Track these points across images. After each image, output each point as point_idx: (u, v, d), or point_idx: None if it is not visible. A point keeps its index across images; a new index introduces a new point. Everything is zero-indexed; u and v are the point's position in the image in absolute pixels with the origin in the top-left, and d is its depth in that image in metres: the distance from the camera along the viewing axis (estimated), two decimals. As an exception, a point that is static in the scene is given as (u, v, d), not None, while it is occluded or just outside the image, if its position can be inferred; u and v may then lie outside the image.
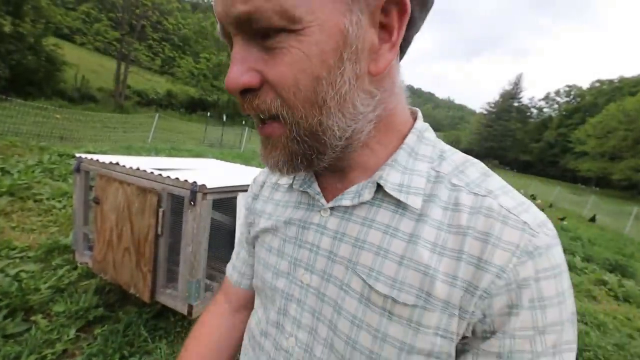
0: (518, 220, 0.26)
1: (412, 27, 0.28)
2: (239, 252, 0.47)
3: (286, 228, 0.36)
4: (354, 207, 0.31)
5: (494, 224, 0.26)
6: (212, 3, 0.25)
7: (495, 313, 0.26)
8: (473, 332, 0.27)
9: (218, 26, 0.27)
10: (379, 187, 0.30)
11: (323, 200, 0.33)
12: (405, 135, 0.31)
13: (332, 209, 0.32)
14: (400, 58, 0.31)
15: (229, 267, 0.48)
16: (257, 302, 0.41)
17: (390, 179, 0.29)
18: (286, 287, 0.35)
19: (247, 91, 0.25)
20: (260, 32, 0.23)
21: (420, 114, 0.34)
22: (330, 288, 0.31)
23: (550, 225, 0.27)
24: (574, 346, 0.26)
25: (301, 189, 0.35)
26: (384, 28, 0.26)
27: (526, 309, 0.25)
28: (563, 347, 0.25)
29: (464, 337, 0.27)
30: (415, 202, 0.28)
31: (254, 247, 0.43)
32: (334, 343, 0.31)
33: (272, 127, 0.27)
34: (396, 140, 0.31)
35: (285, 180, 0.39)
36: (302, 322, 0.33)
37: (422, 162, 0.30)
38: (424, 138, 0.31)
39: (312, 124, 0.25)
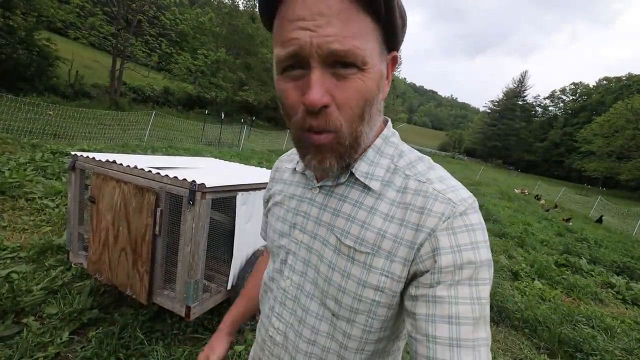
0: (445, 198, 0.38)
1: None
2: (264, 220, 0.64)
3: (289, 201, 0.50)
4: (334, 187, 0.44)
5: (428, 201, 0.38)
6: (286, 33, 0.33)
7: (425, 257, 0.37)
8: (414, 275, 0.38)
9: (289, 50, 0.33)
10: (352, 174, 0.43)
11: (315, 181, 0.46)
12: (375, 139, 0.44)
13: (320, 187, 0.45)
14: None
15: (261, 231, 0.65)
16: (269, 258, 0.56)
17: (360, 168, 0.42)
18: (286, 244, 0.48)
19: (322, 108, 0.34)
20: (340, 64, 0.33)
21: (389, 123, 0.47)
22: (316, 244, 0.44)
23: (470, 200, 0.39)
24: (488, 283, 0.37)
25: (301, 171, 0.49)
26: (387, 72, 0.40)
27: (446, 252, 0.36)
28: (478, 281, 0.36)
29: (410, 282, 0.39)
30: (375, 185, 0.41)
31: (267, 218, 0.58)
32: (317, 281, 0.44)
33: (328, 136, 0.36)
34: (370, 143, 0.43)
35: (291, 165, 0.53)
36: (295, 268, 0.47)
37: (385, 158, 0.43)
38: (389, 141, 0.44)
39: (358, 131, 0.37)
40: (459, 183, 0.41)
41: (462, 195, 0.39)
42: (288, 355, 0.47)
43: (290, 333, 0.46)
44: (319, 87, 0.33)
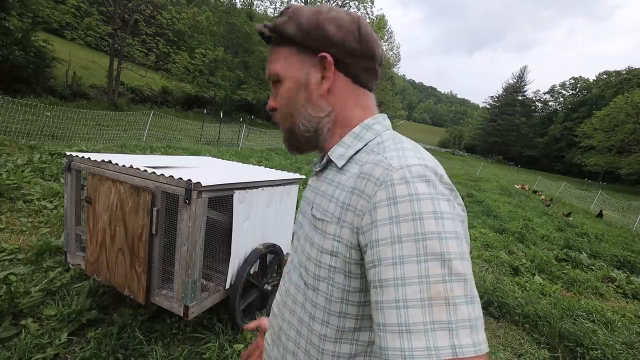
0: (386, 164, 0.38)
1: (351, 69, 0.47)
2: None
3: (304, 192, 0.57)
4: (320, 171, 0.51)
5: (372, 168, 0.40)
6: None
7: (365, 229, 0.37)
8: (360, 246, 0.39)
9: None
10: (330, 159, 0.48)
11: (315, 170, 0.55)
12: (355, 127, 0.48)
13: (315, 173, 0.53)
14: (367, 87, 0.50)
15: None
16: None
17: (336, 152, 0.48)
18: (296, 228, 0.56)
19: (273, 110, 0.52)
20: (272, 81, 0.51)
21: (378, 115, 0.50)
22: (304, 221, 0.51)
23: (416, 169, 0.37)
24: (440, 259, 0.33)
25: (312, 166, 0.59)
26: (323, 74, 0.47)
27: (383, 224, 0.35)
28: (428, 257, 0.33)
29: (362, 254, 0.39)
30: (341, 163, 0.46)
31: None
32: (298, 252, 0.51)
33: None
34: (348, 130, 0.48)
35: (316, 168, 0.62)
36: (294, 245, 0.54)
37: (360, 142, 0.46)
38: (371, 129, 0.48)
39: (289, 122, 0.51)
40: (421, 154, 0.40)
41: (408, 161, 0.37)
42: (277, 325, 0.53)
43: (281, 304, 0.53)
44: (272, 97, 0.52)
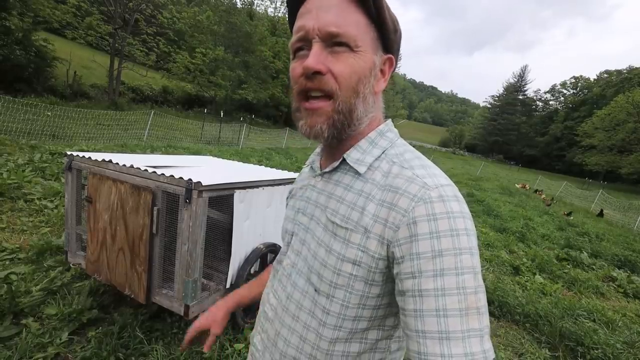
0: (420, 182, 0.40)
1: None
2: None
3: (298, 191, 0.55)
4: (331, 173, 0.49)
5: (405, 183, 0.40)
6: (297, 23, 0.43)
7: (402, 242, 0.38)
8: (393, 257, 0.39)
9: (297, 35, 0.42)
10: (344, 160, 0.47)
11: (319, 171, 0.52)
12: (370, 132, 0.48)
13: (321, 175, 0.50)
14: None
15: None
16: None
17: (352, 155, 0.46)
18: (291, 227, 0.53)
19: (316, 74, 0.41)
20: (336, 44, 0.41)
21: (389, 122, 0.51)
22: (312, 223, 0.49)
23: (449, 189, 0.39)
24: (472, 272, 0.36)
25: (311, 166, 0.56)
26: (382, 70, 0.46)
27: (424, 239, 0.37)
28: (464, 270, 0.36)
29: (390, 263, 0.40)
30: (362, 169, 0.45)
31: None
32: (307, 258, 0.48)
33: (322, 102, 0.42)
34: (364, 134, 0.48)
35: (308, 165, 0.58)
36: (294, 247, 0.51)
37: (377, 149, 0.46)
38: (384, 135, 0.48)
39: (351, 103, 0.42)
40: (443, 174, 0.42)
41: (440, 181, 0.40)
42: (274, 330, 0.50)
43: (279, 308, 0.50)
44: (315, 56, 0.40)
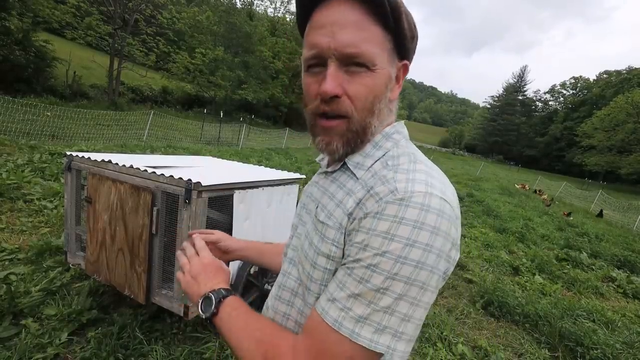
0: (393, 186, 0.38)
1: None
2: None
3: (309, 187, 0.57)
4: (332, 172, 0.50)
5: (379, 184, 0.40)
6: (311, 38, 0.41)
7: (354, 232, 0.39)
8: (344, 245, 0.41)
9: (312, 52, 0.42)
10: (345, 163, 0.48)
11: (325, 168, 0.53)
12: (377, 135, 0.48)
13: (325, 173, 0.52)
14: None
15: None
16: None
17: (353, 159, 0.47)
18: (295, 221, 0.56)
19: (333, 97, 0.41)
20: (353, 64, 0.40)
21: (397, 123, 0.50)
22: (308, 218, 0.51)
23: (421, 199, 0.36)
24: (390, 277, 0.35)
25: (320, 163, 0.57)
26: (397, 77, 0.46)
27: (362, 232, 0.37)
28: (376, 269, 0.36)
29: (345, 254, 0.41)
30: (359, 173, 0.45)
31: None
32: (298, 249, 0.50)
33: (337, 122, 0.43)
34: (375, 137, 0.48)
35: (319, 159, 0.58)
36: (294, 240, 0.53)
37: (380, 151, 0.46)
38: (390, 137, 0.47)
39: (367, 122, 0.43)
40: (435, 181, 0.39)
41: (414, 188, 0.37)
42: (270, 317, 0.53)
43: (274, 298, 0.53)
44: (333, 80, 0.40)
